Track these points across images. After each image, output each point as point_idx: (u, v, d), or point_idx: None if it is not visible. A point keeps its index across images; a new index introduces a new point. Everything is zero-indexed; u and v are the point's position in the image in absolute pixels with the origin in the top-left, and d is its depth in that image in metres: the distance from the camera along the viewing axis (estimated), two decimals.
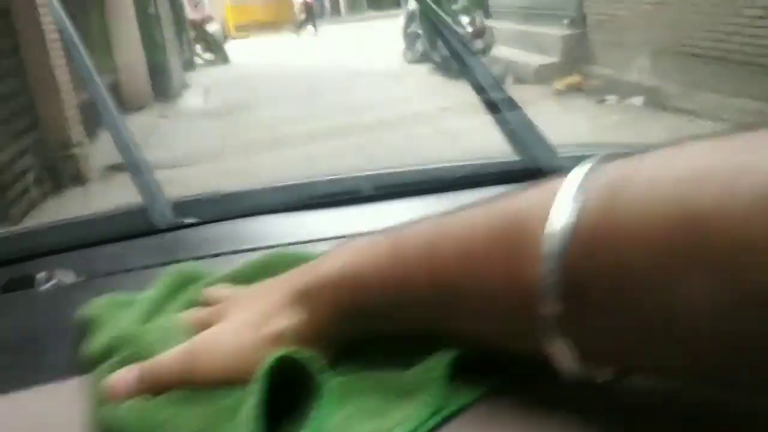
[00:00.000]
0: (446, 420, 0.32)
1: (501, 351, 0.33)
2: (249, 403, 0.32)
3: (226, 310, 0.41)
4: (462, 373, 0.34)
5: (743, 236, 0.23)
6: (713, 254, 0.23)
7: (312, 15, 14.71)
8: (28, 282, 0.62)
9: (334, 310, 0.36)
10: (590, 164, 0.30)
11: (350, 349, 0.38)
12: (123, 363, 0.39)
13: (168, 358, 0.38)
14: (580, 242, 0.27)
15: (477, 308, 0.32)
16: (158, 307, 0.47)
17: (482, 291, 0.31)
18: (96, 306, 0.49)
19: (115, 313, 0.47)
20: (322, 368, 0.36)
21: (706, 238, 0.24)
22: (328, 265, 0.38)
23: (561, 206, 0.28)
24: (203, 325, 0.41)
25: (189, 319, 0.43)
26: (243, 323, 0.38)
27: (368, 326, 0.37)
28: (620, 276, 0.26)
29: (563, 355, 0.29)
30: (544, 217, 0.28)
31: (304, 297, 0.37)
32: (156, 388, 0.36)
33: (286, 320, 0.37)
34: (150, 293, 0.49)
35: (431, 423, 0.32)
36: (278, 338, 0.36)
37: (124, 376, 0.38)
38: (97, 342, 0.44)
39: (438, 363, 0.33)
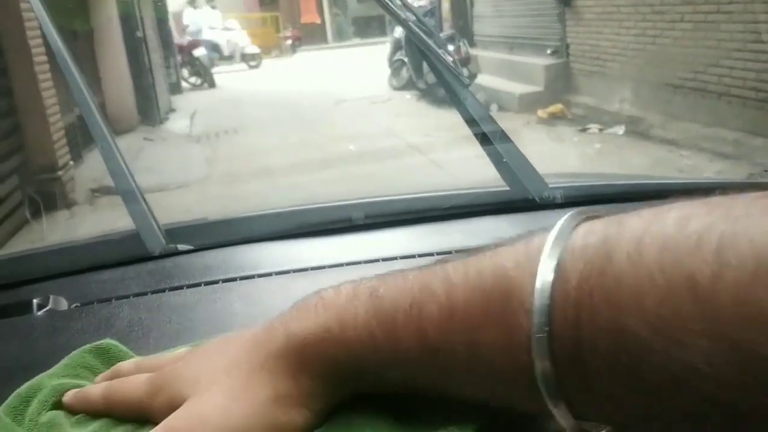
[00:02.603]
0: None
1: (497, 407, 0.32)
2: None
3: (169, 383, 0.38)
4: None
5: (748, 306, 0.23)
6: (716, 322, 0.24)
7: None
8: (25, 308, 0.62)
9: (323, 371, 0.35)
10: (572, 221, 0.30)
11: (342, 406, 0.36)
12: None
13: None
14: (571, 304, 0.27)
15: (469, 369, 0.31)
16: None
17: (473, 352, 0.30)
18: None
19: None
20: None
21: (708, 305, 0.24)
22: (304, 324, 0.36)
23: (548, 266, 0.28)
24: (146, 406, 0.39)
25: (120, 400, 0.40)
26: (222, 396, 0.35)
27: (357, 386, 0.36)
28: (617, 340, 0.26)
29: (561, 413, 0.29)
30: (533, 276, 0.28)
31: (282, 360, 0.35)
32: None
33: (272, 386, 0.35)
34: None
35: None
36: (267, 407, 0.35)
37: None
38: None
39: None
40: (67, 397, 0.42)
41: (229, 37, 12.49)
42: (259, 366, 0.36)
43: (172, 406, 0.37)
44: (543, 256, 0.28)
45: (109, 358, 0.47)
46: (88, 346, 0.47)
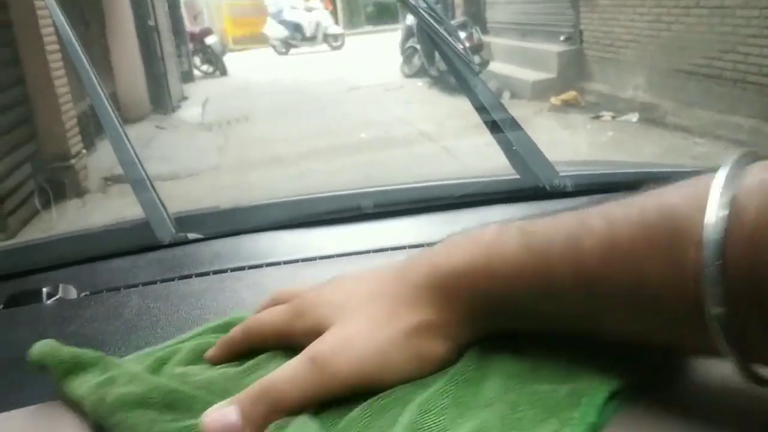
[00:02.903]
0: None
1: (657, 347, 0.31)
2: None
3: (311, 309, 0.39)
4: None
5: None
6: None
7: None
8: (34, 297, 0.62)
9: (470, 303, 0.35)
10: (742, 160, 0.29)
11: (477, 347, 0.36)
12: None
13: (289, 372, 0.34)
14: (748, 238, 0.26)
15: (631, 303, 0.30)
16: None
17: (637, 284, 0.30)
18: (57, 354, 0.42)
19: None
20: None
21: None
22: (452, 258, 0.36)
23: (721, 200, 0.27)
24: (287, 331, 0.39)
25: (264, 327, 0.40)
26: (368, 323, 0.36)
27: (506, 321, 0.35)
28: None
29: (732, 353, 0.28)
30: (703, 212, 0.27)
31: (428, 291, 0.36)
32: (283, 412, 0.33)
33: (417, 315, 0.35)
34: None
35: None
36: (412, 335, 0.35)
37: (223, 415, 0.33)
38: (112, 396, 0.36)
39: (590, 390, 0.31)
40: (209, 353, 0.42)
41: (311, 18, 12.13)
42: (405, 295, 0.36)
43: (315, 331, 0.37)
44: (714, 191, 0.28)
45: None
46: (215, 321, 0.46)
